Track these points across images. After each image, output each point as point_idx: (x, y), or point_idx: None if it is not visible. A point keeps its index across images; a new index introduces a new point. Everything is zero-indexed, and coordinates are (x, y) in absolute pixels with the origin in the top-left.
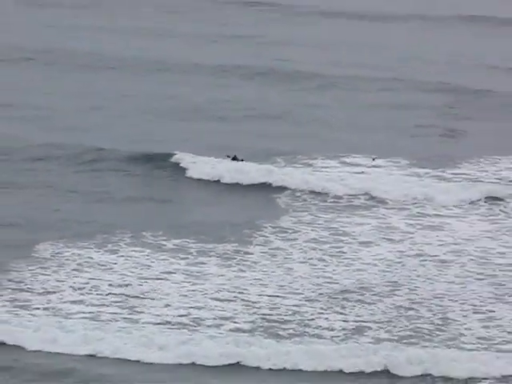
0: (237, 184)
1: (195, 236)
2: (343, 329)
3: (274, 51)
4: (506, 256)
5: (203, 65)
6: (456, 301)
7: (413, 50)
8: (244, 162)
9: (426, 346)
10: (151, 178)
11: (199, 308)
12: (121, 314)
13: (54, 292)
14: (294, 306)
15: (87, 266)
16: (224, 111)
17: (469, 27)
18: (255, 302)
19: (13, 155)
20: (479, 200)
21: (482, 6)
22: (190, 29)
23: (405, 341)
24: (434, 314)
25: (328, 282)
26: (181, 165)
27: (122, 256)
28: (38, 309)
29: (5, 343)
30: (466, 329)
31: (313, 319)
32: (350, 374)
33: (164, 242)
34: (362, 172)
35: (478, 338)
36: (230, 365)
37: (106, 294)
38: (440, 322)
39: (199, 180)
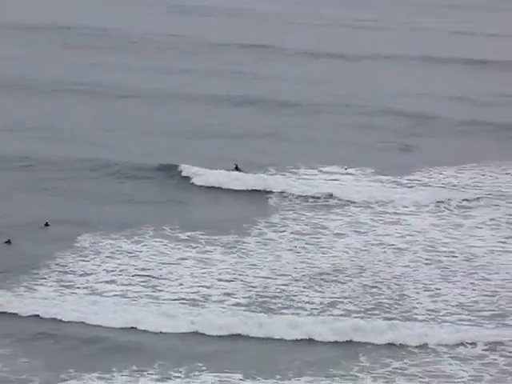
0: (234, 189)
1: (203, 230)
2: (320, 303)
3: (266, 84)
4: (449, 245)
5: (204, 95)
6: (410, 281)
7: (380, 85)
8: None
9: (386, 318)
10: (164, 185)
11: (207, 287)
12: (144, 292)
13: (91, 274)
14: (282, 285)
15: (118, 254)
16: (222, 131)
17: (429, 66)
18: (251, 282)
19: (54, 167)
20: (429, 201)
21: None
22: (193, 66)
23: (369, 313)
24: (393, 292)
25: (309, 266)
26: (186, 174)
27: (146, 245)
28: (79, 288)
29: (51, 316)
30: (417, 303)
31: (296, 295)
32: (324, 342)
33: (178, 235)
34: (337, 179)
35: (428, 311)
36: (230, 335)
37: (133, 276)
38: (397, 298)
39: (202, 186)
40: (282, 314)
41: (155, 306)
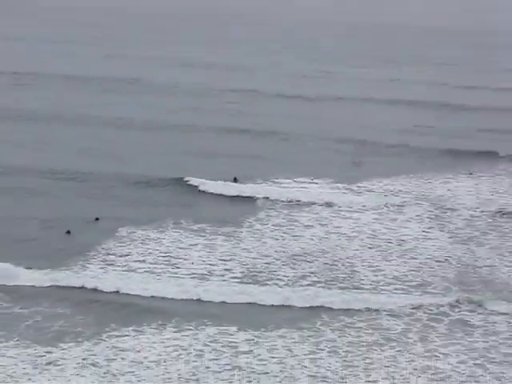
0: (231, 195)
1: (208, 223)
2: (294, 276)
3: (254, 119)
4: (386, 234)
5: (208, 126)
6: (358, 260)
7: (336, 119)
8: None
9: (341, 287)
10: (176, 192)
11: (212, 265)
12: (166, 269)
13: (127, 256)
14: (266, 263)
15: (147, 241)
16: (221, 153)
17: (370, 105)
18: (244, 261)
19: (98, 178)
20: (372, 202)
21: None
22: (199, 105)
23: (329, 283)
24: (346, 268)
25: (285, 249)
26: (193, 184)
27: (167, 235)
28: (118, 266)
29: (97, 287)
30: (364, 276)
31: (276, 271)
32: (296, 305)
33: (191, 227)
34: (306, 187)
35: (371, 282)
36: (228, 301)
37: (158, 257)
38: (349, 273)
39: (206, 192)
40: (266, 284)
41: (174, 280)
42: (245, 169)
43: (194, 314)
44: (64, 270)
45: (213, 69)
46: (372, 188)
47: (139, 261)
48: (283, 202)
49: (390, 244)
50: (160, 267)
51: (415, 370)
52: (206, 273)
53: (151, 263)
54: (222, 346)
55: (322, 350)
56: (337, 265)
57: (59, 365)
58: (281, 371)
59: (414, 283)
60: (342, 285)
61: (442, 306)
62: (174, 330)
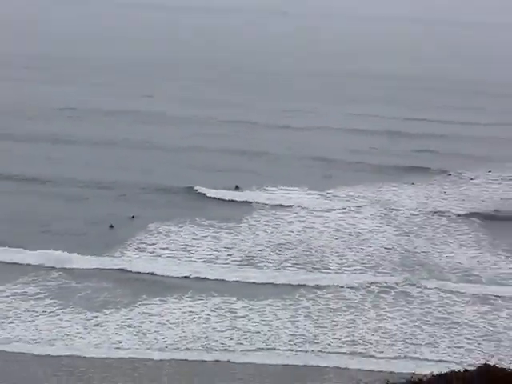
0: (233, 200)
1: (215, 220)
2: (279, 260)
3: (249, 143)
4: (348, 228)
5: (211, 148)
6: (327, 248)
7: (308, 142)
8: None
9: (314, 268)
10: (185, 198)
11: (218, 251)
12: (184, 255)
13: (155, 244)
14: (258, 250)
15: (169, 233)
16: (222, 169)
17: (331, 132)
18: (242, 249)
19: (129, 187)
20: (338, 205)
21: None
22: (206, 131)
23: (305, 266)
24: (318, 254)
25: (273, 240)
26: (200, 192)
27: (184, 228)
28: (149, 252)
29: (133, 269)
30: (331, 260)
31: (266, 256)
32: (280, 283)
33: (202, 223)
34: (288, 193)
35: (337, 264)
36: (230, 279)
37: (178, 246)
38: (320, 257)
39: (211, 198)
40: (258, 266)
41: (189, 263)
42: (243, 180)
43: (204, 288)
44: (107, 256)
45: (216, 108)
46: (338, 194)
47: (163, 248)
48: (271, 204)
49: (350, 236)
50: (179, 253)
51: (369, 329)
52: (213, 258)
53: (172, 250)
54: (225, 312)
55: (300, 314)
56: (311, 251)
57: (103, 326)
58: (268, 331)
59: (368, 265)
60: (314, 266)
61: (390, 282)
62: (189, 300)
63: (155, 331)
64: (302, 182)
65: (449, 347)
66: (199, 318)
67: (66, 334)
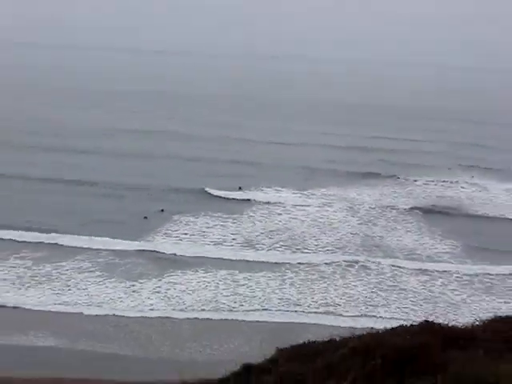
0: (235, 198)
1: (222, 213)
2: (270, 243)
3: (249, 155)
4: (322, 219)
5: (214, 159)
6: (306, 234)
7: (296, 157)
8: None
9: (294, 250)
10: (195, 198)
11: (225, 236)
12: (199, 239)
13: (178, 231)
14: (255, 236)
15: (189, 222)
16: (225, 175)
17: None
18: (243, 234)
19: (156, 189)
20: (315, 202)
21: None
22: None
23: (290, 248)
24: (299, 238)
25: (266, 228)
26: (210, 192)
27: (199, 219)
28: (174, 237)
29: (156, 250)
30: (309, 244)
31: (261, 240)
32: (270, 261)
33: (212, 215)
34: (278, 193)
35: (314, 246)
36: (234, 259)
37: (195, 232)
38: (301, 241)
39: (218, 197)
40: (255, 248)
41: (203, 245)
42: (244, 183)
43: (214, 264)
44: (142, 240)
45: (226, 127)
46: (315, 193)
47: (184, 234)
48: (265, 201)
49: (324, 224)
50: (195, 238)
51: (338, 294)
52: (221, 241)
53: (191, 235)
54: (230, 281)
55: (286, 283)
56: (295, 237)
57: (138, 292)
58: (263, 295)
59: (338, 246)
60: (297, 247)
61: (353, 259)
62: (203, 272)
63: (177, 296)
64: (288, 184)
65: (398, 308)
66: (210, 286)
67: (110, 299)
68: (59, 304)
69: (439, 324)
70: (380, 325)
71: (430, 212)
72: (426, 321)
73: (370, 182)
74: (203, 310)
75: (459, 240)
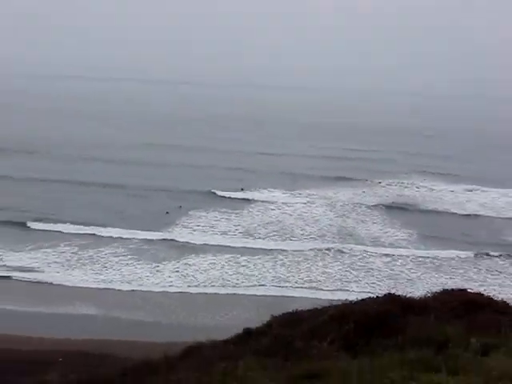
0: (237, 198)
1: (227, 209)
2: (266, 232)
3: (246, 163)
4: (306, 214)
5: (216, 167)
6: (294, 225)
7: (285, 165)
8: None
9: (285, 238)
10: (205, 197)
11: (229, 227)
12: (209, 230)
13: (192, 223)
14: (253, 227)
15: (201, 217)
16: (228, 179)
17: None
18: (244, 226)
19: (167, 191)
20: (302, 200)
21: None
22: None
23: (281, 237)
24: (288, 229)
25: (262, 221)
26: (217, 193)
27: (209, 214)
28: (189, 228)
29: (175, 239)
30: (296, 233)
31: (258, 230)
32: (263, 248)
33: (219, 210)
34: (272, 193)
35: (300, 235)
36: (237, 246)
37: (205, 224)
38: (290, 231)
39: (222, 197)
40: (253, 237)
41: (212, 235)
42: (245, 185)
43: (221, 250)
44: (163, 231)
45: (227, 142)
46: (301, 193)
47: (197, 225)
48: (262, 200)
49: (308, 218)
50: (205, 228)
51: (319, 273)
52: (226, 231)
53: (202, 226)
54: (233, 263)
55: (277, 265)
56: (285, 228)
57: (161, 272)
58: (259, 274)
59: (319, 235)
60: (286, 236)
61: (331, 245)
62: (211, 256)
63: (192, 275)
64: (279, 186)
65: (367, 283)
66: (217, 266)
67: (139, 277)
68: (98, 281)
69: (399, 296)
70: (352, 297)
71: (391, 207)
72: (389, 293)
73: (344, 184)
74: (212, 285)
75: (414, 229)
